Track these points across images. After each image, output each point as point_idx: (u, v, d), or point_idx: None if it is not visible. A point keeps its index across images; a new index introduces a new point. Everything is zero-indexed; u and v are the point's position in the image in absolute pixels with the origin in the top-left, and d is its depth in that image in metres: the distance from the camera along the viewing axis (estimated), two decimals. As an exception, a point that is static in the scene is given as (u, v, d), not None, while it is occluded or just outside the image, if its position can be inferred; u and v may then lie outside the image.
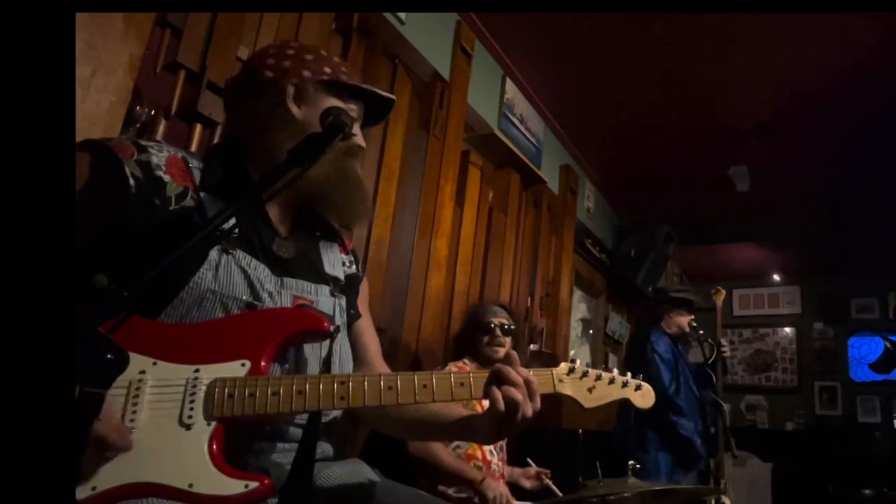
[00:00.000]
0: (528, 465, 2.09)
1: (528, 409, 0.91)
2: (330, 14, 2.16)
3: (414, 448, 1.95)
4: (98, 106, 1.41)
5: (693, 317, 3.45)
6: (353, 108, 1.08)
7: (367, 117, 1.15)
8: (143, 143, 0.98)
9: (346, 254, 1.19)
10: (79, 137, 0.91)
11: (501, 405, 0.90)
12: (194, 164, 1.01)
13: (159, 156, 0.96)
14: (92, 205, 0.90)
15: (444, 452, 1.97)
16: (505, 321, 2.26)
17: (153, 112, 1.62)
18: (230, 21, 1.77)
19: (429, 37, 2.69)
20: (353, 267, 1.19)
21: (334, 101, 1.05)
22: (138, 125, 1.57)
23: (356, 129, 1.09)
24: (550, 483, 2.05)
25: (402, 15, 2.50)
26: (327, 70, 1.08)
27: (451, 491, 2.01)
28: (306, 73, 1.06)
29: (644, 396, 1.04)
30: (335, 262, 1.13)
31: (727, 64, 3.26)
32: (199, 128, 1.72)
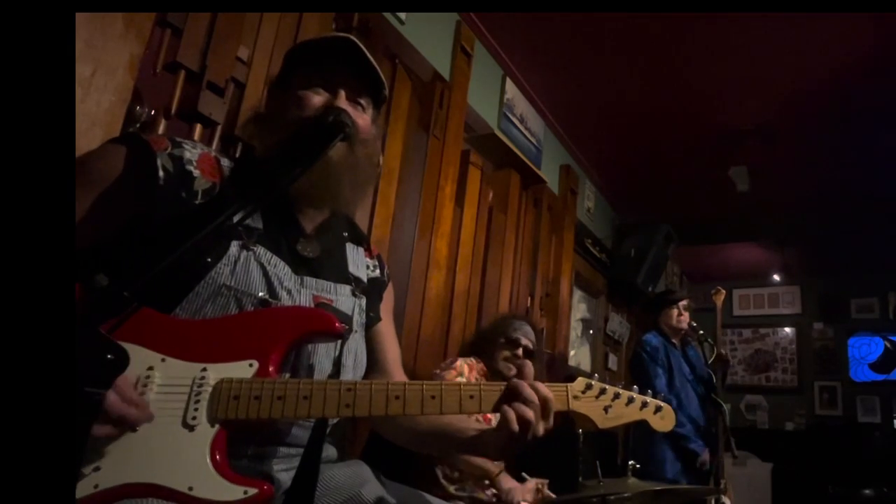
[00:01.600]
0: (524, 479, 2.06)
1: (541, 429, 0.88)
2: (330, 14, 2.16)
3: None
4: (98, 106, 1.41)
5: (679, 310, 3.44)
6: (310, 75, 1.03)
7: (366, 87, 1.10)
8: (179, 139, 0.99)
9: (371, 258, 1.19)
10: (79, 137, 0.92)
11: (515, 426, 0.86)
12: (225, 163, 1.03)
13: (192, 152, 0.98)
14: (123, 195, 0.91)
15: None
16: (531, 344, 2.23)
17: (153, 112, 1.62)
18: (230, 21, 1.77)
19: (429, 37, 2.69)
20: (377, 271, 1.19)
21: (290, 82, 1.05)
22: (138, 125, 1.57)
23: (341, 100, 1.03)
24: (550, 493, 2.03)
25: (402, 15, 2.50)
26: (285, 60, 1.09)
27: (452, 489, 2.01)
28: (273, 73, 1.10)
29: (663, 419, 1.00)
30: (359, 263, 1.13)
31: (727, 64, 3.26)
32: (199, 128, 1.72)
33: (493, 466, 1.96)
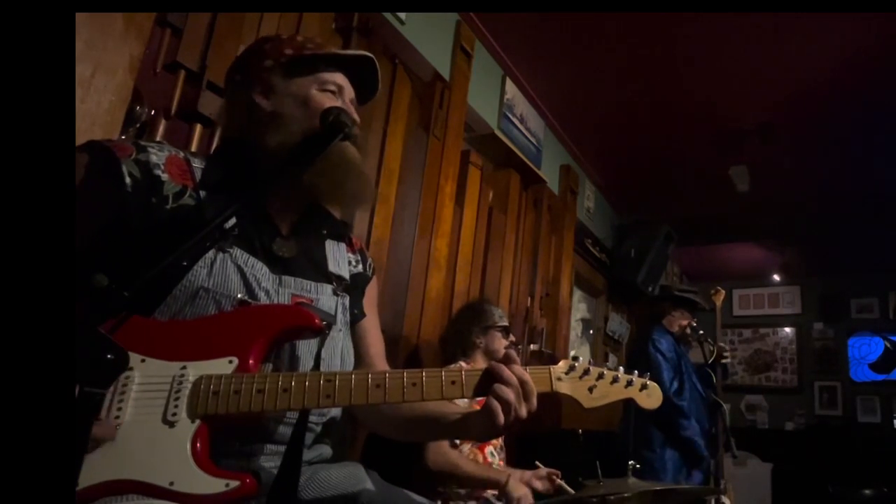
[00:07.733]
0: (536, 466, 2.08)
1: (523, 410, 0.89)
2: (330, 14, 2.16)
3: (434, 462, 1.94)
4: (98, 106, 1.41)
5: (695, 318, 3.44)
6: (329, 80, 1.06)
7: (359, 90, 1.12)
8: (143, 143, 0.98)
9: (354, 253, 1.18)
10: (79, 137, 0.91)
11: (495, 405, 0.87)
12: (196, 163, 1.01)
13: (159, 155, 0.97)
14: (90, 204, 0.90)
15: (464, 461, 1.96)
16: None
17: (153, 112, 1.62)
18: (230, 21, 1.77)
19: (429, 37, 2.69)
20: (360, 266, 1.18)
21: (304, 81, 1.05)
22: (138, 125, 1.57)
23: (346, 102, 1.06)
24: (563, 483, 2.04)
25: (402, 15, 2.50)
26: (288, 52, 1.07)
27: (451, 492, 2.01)
28: (267, 63, 1.05)
29: (650, 396, 0.99)
30: (341, 260, 1.12)
31: (727, 64, 3.26)
32: (199, 128, 1.72)
33: (501, 476, 1.95)
